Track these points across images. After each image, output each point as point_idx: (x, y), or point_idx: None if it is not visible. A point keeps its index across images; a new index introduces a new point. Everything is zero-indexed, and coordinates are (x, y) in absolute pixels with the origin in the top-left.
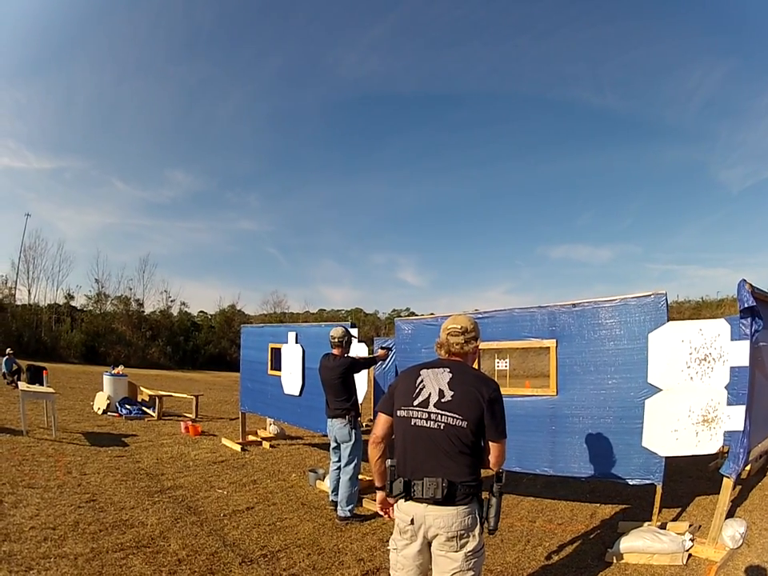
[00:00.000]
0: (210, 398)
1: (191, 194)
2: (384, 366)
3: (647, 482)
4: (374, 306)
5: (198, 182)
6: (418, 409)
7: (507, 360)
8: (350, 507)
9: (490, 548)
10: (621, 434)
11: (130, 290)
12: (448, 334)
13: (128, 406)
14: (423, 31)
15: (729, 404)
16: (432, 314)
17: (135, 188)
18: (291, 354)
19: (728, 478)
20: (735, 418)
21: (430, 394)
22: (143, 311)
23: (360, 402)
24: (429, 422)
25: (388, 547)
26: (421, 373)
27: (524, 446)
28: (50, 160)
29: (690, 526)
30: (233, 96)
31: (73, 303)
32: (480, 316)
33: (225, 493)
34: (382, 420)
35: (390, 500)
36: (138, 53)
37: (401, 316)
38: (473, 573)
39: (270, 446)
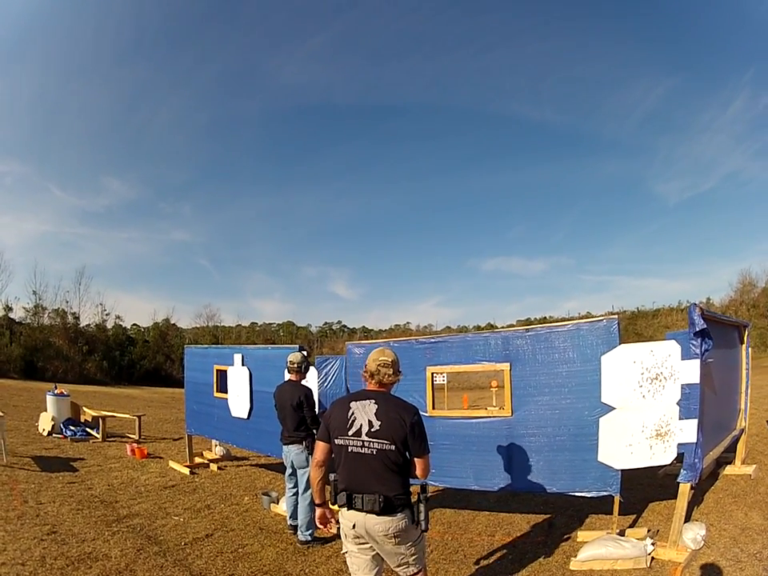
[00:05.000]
0: (151, 416)
1: (126, 202)
2: (325, 384)
3: (605, 493)
4: (306, 319)
5: (132, 190)
6: (352, 438)
7: (444, 375)
8: (309, 531)
9: (455, 564)
10: (576, 450)
11: (67, 302)
12: (379, 365)
13: (72, 428)
14: (364, 42)
15: (681, 418)
16: (364, 330)
17: (72, 195)
18: (238, 377)
19: (685, 485)
20: (688, 430)
21: (362, 425)
22: (79, 324)
23: None
24: (363, 448)
25: (342, 551)
26: (350, 405)
27: (481, 465)
28: None
29: (649, 531)
30: (170, 102)
31: (11, 315)
32: (433, 341)
33: (181, 520)
34: (321, 447)
35: (334, 509)
36: (84, 54)
37: (332, 329)
38: (416, 556)
39: (218, 468)
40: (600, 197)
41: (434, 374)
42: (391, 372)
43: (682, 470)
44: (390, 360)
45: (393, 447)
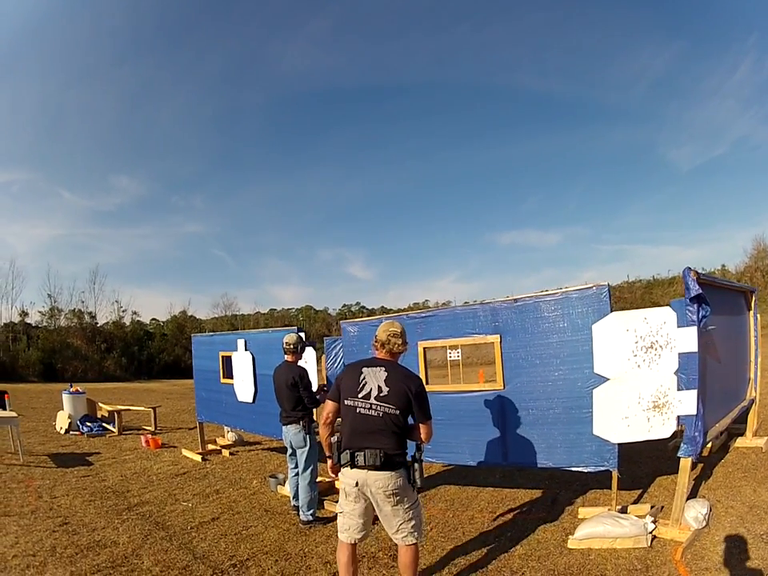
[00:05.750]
0: (168, 407)
1: (137, 199)
2: (335, 365)
3: (602, 468)
4: (324, 302)
5: (142, 187)
6: (362, 400)
7: (459, 350)
8: (311, 511)
9: (452, 541)
10: (571, 423)
11: (82, 302)
12: (389, 335)
13: (89, 424)
14: (363, 23)
15: (680, 389)
16: (380, 311)
17: (82, 197)
18: (242, 362)
19: (686, 459)
20: (687, 402)
21: (371, 389)
22: (96, 323)
23: None
24: (371, 410)
25: (335, 511)
26: (363, 371)
27: (476, 440)
28: None
29: (652, 507)
30: (174, 97)
31: (28, 320)
32: (423, 315)
33: (190, 505)
34: (330, 405)
35: (337, 467)
36: (84, 57)
37: (351, 311)
38: (414, 522)
39: (230, 453)
40: (612, 165)
41: (426, 349)
42: (401, 342)
43: (682, 444)
44: (399, 331)
45: (397, 412)
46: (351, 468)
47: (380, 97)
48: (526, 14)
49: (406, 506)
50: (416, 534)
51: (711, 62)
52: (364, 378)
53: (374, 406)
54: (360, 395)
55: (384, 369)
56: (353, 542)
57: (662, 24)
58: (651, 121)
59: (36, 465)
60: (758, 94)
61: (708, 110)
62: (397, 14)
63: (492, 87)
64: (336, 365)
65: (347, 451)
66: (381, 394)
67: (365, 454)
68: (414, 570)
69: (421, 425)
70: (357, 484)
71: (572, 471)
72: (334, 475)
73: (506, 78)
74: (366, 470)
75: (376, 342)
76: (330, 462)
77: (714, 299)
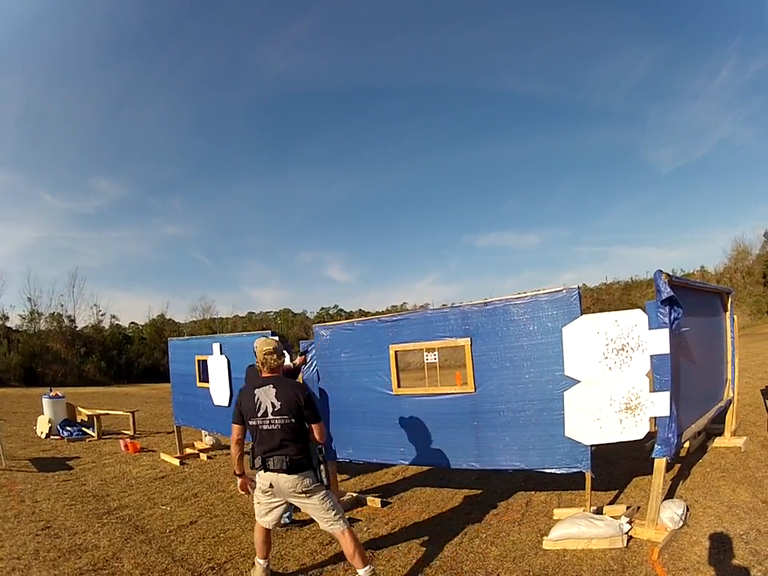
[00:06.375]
0: (147, 411)
1: (117, 202)
2: (311, 370)
3: (575, 470)
4: (303, 305)
5: (123, 189)
6: (261, 418)
7: (436, 353)
8: (287, 514)
9: (427, 543)
10: (542, 425)
11: (62, 306)
12: (265, 354)
13: (69, 428)
14: (347, 25)
15: (652, 391)
16: (354, 314)
17: (62, 199)
18: (217, 366)
19: (660, 460)
20: (660, 403)
21: (267, 407)
22: (76, 327)
23: None
24: (271, 425)
25: (254, 501)
26: (255, 392)
27: (448, 443)
28: None
29: (628, 508)
30: (156, 100)
31: (8, 324)
32: (395, 318)
33: (168, 509)
34: (236, 428)
35: (251, 473)
36: (66, 59)
37: (329, 314)
38: (334, 511)
39: (208, 457)
40: (592, 166)
41: (398, 353)
42: (275, 357)
43: (656, 445)
44: (271, 348)
45: (293, 420)
46: (264, 471)
47: (363, 99)
48: (509, 17)
49: (321, 499)
50: (340, 521)
51: (694, 65)
52: (258, 399)
53: (272, 421)
54: (259, 414)
55: (272, 385)
56: (268, 527)
57: (645, 27)
58: (633, 123)
59: (18, 469)
60: (740, 96)
61: (690, 112)
62: (380, 17)
63: (474, 89)
64: (311, 368)
65: (259, 457)
66: (276, 409)
67: (273, 460)
68: (360, 556)
69: (313, 426)
70: (271, 485)
71: (545, 473)
72: (243, 492)
73: (489, 80)
74: (276, 473)
75: (258, 362)
76: (239, 480)
77: (689, 301)
